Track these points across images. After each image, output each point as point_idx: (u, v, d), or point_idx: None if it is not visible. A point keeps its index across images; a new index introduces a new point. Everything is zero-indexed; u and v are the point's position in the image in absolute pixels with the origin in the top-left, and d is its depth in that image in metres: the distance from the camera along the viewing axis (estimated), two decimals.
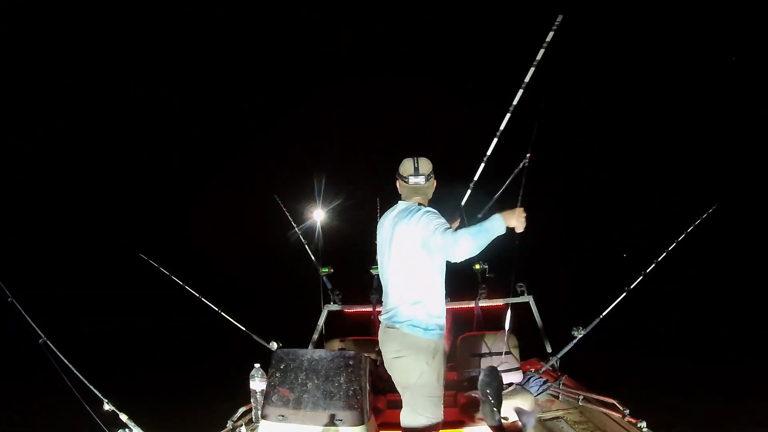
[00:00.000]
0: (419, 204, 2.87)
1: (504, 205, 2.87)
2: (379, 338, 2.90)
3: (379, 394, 3.75)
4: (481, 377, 2.91)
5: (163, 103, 19.57)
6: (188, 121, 19.96)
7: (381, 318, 2.92)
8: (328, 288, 4.58)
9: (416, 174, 2.87)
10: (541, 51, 3.49)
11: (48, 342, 2.99)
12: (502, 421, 2.93)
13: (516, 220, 2.63)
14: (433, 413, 2.80)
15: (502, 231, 2.61)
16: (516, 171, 3.36)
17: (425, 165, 2.90)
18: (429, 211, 2.76)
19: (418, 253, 2.73)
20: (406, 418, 2.83)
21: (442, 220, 2.71)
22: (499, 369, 3.79)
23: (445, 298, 2.86)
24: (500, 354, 3.92)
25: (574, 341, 4.00)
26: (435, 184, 2.97)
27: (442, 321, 2.83)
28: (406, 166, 2.90)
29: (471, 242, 2.52)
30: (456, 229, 2.60)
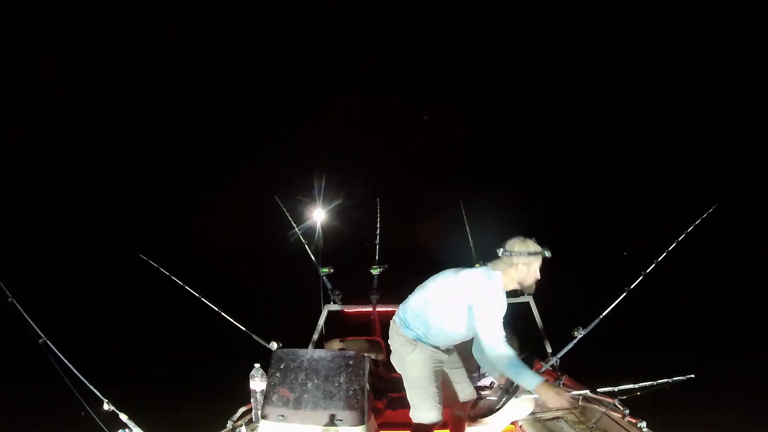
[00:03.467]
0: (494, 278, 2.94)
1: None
2: None
3: (379, 394, 3.75)
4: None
5: (166, 103, 19.58)
6: (189, 121, 19.96)
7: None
8: (328, 288, 4.57)
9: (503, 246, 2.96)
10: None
11: (48, 342, 2.99)
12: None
13: (553, 397, 2.80)
14: (421, 411, 2.97)
15: (529, 387, 2.79)
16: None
17: (512, 243, 2.94)
18: (494, 299, 2.86)
19: (456, 308, 2.91)
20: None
21: (500, 322, 2.83)
22: None
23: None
24: None
25: (574, 341, 4.00)
26: (521, 270, 2.94)
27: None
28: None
29: (504, 368, 2.82)
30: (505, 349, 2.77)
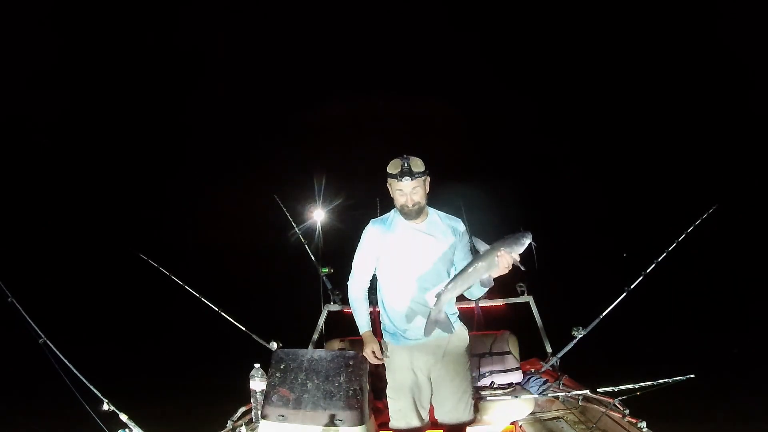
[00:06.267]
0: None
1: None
2: None
3: (379, 394, 3.75)
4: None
5: (166, 103, 19.59)
6: (188, 122, 19.98)
7: None
8: (328, 288, 4.57)
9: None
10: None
11: (48, 342, 2.99)
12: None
13: (366, 346, 2.87)
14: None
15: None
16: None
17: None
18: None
19: None
20: None
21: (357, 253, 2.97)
22: (498, 369, 3.80)
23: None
24: (500, 354, 3.92)
25: (574, 341, 3.99)
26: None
27: (385, 322, 2.93)
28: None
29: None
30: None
